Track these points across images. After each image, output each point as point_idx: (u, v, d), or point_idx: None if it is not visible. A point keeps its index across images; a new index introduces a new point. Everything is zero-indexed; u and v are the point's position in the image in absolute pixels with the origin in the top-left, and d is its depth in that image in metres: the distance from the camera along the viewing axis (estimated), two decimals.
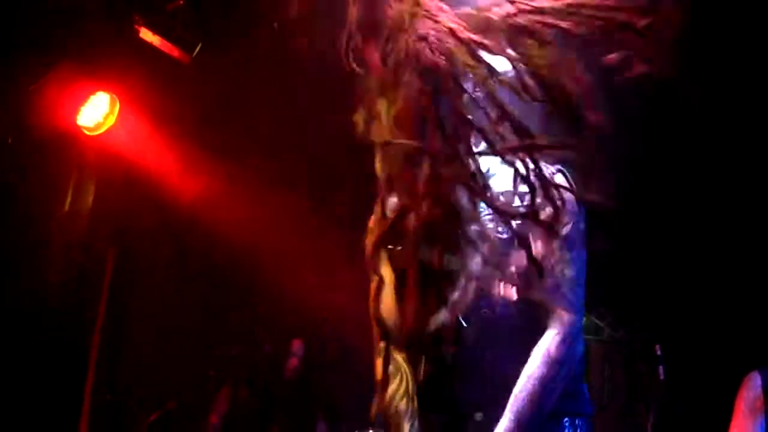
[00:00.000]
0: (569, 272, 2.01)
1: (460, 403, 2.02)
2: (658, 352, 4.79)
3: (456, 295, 1.91)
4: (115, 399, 5.14)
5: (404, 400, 2.03)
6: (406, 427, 2.00)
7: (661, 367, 4.80)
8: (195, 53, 4.56)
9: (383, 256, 2.04)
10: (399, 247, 2.01)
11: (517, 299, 2.01)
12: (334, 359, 5.27)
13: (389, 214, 1.98)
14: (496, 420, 1.92)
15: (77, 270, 5.05)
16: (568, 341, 1.97)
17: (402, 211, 1.92)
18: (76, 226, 5.09)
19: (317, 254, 4.80)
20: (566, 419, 2.03)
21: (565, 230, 2.00)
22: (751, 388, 3.41)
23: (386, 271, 2.04)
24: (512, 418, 1.90)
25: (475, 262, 1.90)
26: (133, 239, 5.20)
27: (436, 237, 1.91)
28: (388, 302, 2.06)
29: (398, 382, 2.05)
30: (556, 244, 2.00)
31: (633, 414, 5.62)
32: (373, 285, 2.02)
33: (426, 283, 1.94)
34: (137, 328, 5.20)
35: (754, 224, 4.84)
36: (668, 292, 5.35)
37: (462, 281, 1.91)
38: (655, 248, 5.37)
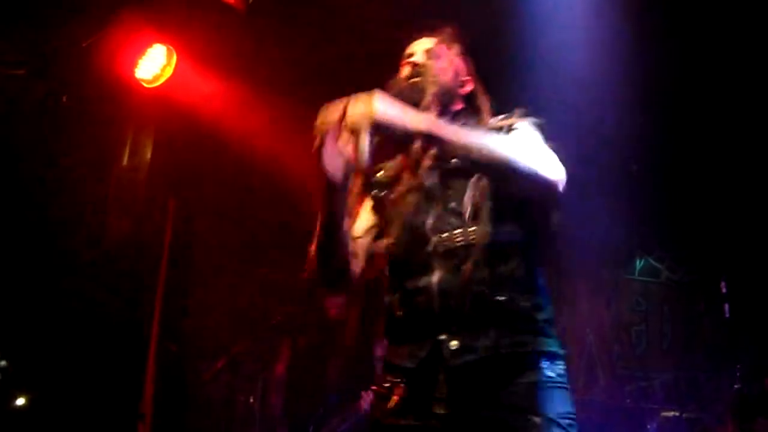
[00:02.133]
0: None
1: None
2: (724, 290, 4.74)
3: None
4: (180, 349, 5.21)
5: None
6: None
7: (726, 305, 4.76)
8: (251, 0, 4.52)
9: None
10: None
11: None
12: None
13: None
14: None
15: (138, 224, 5.08)
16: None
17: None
18: (135, 180, 5.11)
19: None
20: (544, 363, 2.05)
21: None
22: None
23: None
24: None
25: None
26: (194, 191, 5.22)
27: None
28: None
29: None
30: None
31: (693, 355, 5.61)
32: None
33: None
34: (200, 279, 5.25)
35: None
36: (728, 231, 5.29)
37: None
38: (713, 187, 5.30)
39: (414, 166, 2.21)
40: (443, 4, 4.26)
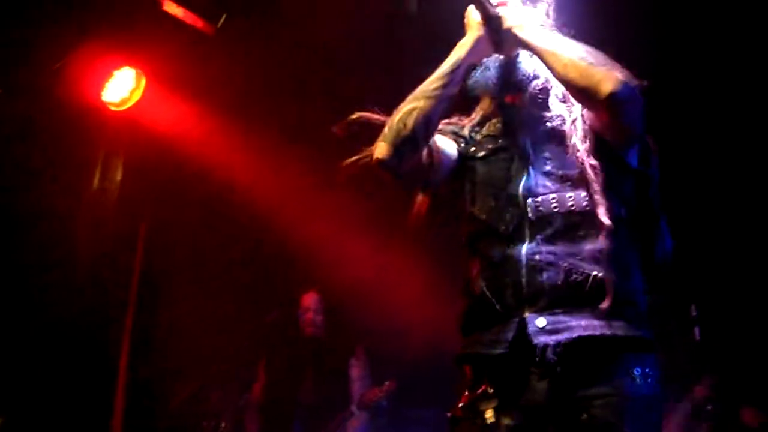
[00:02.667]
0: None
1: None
2: (694, 313, 4.73)
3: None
4: (151, 371, 5.18)
5: None
6: None
7: (696, 328, 4.75)
8: (219, 24, 4.54)
9: None
10: None
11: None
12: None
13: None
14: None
15: (108, 246, 5.06)
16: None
17: None
18: (106, 203, 5.10)
19: (346, 218, 4.79)
20: (637, 368, 1.85)
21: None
22: None
23: None
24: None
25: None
26: (164, 213, 5.21)
27: None
28: None
29: None
30: None
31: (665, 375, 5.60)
32: None
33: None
34: (170, 303, 5.23)
35: None
36: (702, 251, 5.29)
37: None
38: (688, 208, 5.31)
39: (509, 127, 2.11)
40: (406, 23, 4.33)
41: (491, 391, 1.88)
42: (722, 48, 4.44)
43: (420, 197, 2.15)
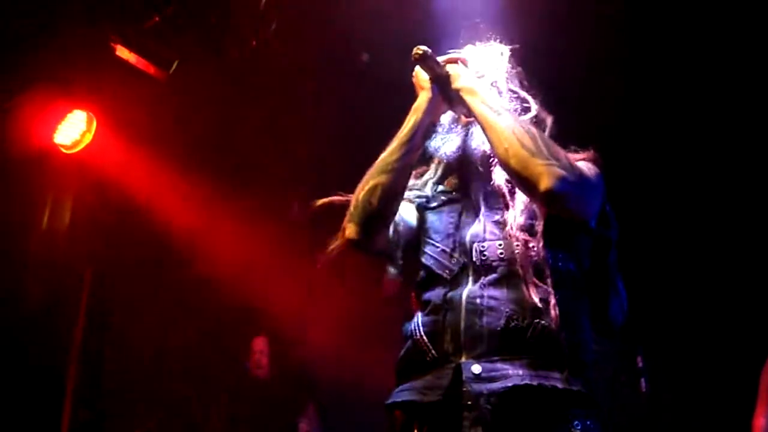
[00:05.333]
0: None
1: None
2: (640, 364, 4.76)
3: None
4: (94, 418, 5.08)
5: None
6: None
7: (642, 379, 4.78)
8: (171, 70, 4.56)
9: None
10: None
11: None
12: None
13: None
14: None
15: (55, 289, 4.99)
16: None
17: None
18: (53, 245, 5.04)
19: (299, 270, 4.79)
20: (576, 422, 1.80)
21: None
22: None
23: None
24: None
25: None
26: (111, 257, 5.17)
27: None
28: None
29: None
30: None
31: (615, 425, 5.62)
32: None
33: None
34: (116, 347, 5.16)
35: (734, 232, 4.85)
36: (649, 302, 5.34)
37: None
38: (636, 257, 5.36)
39: (464, 182, 2.12)
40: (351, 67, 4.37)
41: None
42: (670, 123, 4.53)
43: (387, 277, 2.14)
